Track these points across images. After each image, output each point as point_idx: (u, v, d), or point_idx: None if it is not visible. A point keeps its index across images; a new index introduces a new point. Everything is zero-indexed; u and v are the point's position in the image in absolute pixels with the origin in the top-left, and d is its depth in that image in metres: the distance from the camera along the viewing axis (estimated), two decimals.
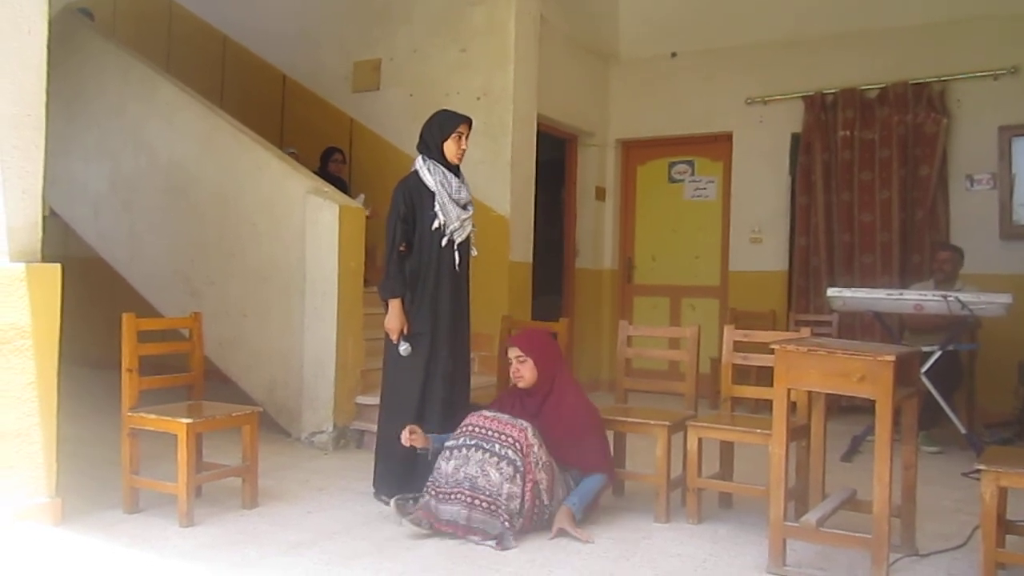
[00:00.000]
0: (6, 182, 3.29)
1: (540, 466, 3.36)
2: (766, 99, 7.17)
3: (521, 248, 6.24)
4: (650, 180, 7.92)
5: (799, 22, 7.02)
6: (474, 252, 4.01)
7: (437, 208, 3.79)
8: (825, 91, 6.86)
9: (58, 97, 3.51)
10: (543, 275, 7.00)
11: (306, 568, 3.00)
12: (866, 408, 5.45)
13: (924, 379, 4.88)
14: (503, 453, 3.31)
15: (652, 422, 3.73)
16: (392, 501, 3.52)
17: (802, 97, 6.97)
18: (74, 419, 4.01)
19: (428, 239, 3.81)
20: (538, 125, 6.51)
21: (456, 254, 3.85)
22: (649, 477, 3.78)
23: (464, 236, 3.89)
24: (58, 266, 3.44)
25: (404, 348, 3.79)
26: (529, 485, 3.30)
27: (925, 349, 4.86)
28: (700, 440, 3.65)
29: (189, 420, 3.50)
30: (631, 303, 7.92)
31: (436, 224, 3.80)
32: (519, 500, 3.28)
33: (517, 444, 3.32)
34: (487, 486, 3.29)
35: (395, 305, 3.80)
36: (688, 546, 3.35)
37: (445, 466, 3.39)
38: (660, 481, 3.69)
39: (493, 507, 3.28)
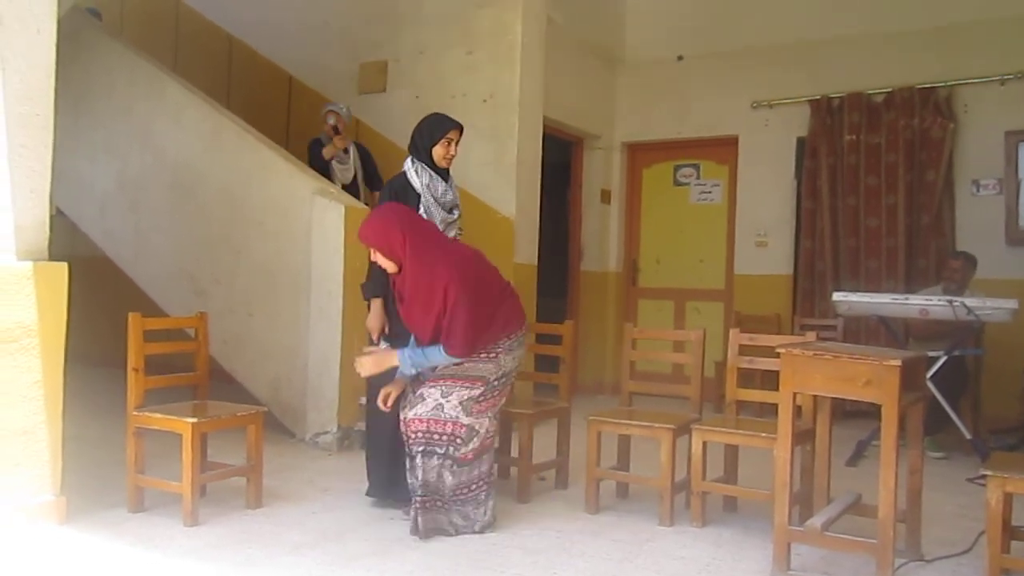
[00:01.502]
0: (14, 181, 3.30)
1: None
2: (772, 103, 7.16)
3: (526, 250, 6.25)
4: (655, 183, 7.92)
5: (805, 26, 7.02)
6: None
7: (422, 210, 3.82)
8: (831, 95, 6.85)
9: (65, 96, 3.52)
10: (548, 277, 7.00)
11: (309, 569, 3.01)
12: (871, 413, 5.44)
13: (930, 384, 4.87)
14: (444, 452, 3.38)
15: (656, 425, 3.72)
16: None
17: (808, 101, 6.97)
18: (79, 418, 4.02)
19: None
20: (544, 127, 6.51)
21: None
22: (653, 480, 3.77)
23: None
24: (65, 265, 3.45)
25: (384, 347, 3.76)
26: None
27: (931, 354, 4.85)
28: (705, 443, 3.65)
29: (194, 420, 3.50)
30: (636, 306, 7.92)
31: None
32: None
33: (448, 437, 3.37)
34: (442, 487, 3.40)
35: (376, 304, 3.83)
36: (692, 549, 3.35)
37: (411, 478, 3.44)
38: (664, 484, 3.68)
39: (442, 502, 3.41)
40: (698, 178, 7.72)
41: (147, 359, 3.67)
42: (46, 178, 3.44)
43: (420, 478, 3.36)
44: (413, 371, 3.44)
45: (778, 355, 3.06)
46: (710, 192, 7.65)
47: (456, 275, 3.29)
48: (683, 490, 3.81)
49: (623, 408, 4.17)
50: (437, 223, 3.80)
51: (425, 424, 3.36)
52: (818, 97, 6.90)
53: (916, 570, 3.16)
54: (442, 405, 3.37)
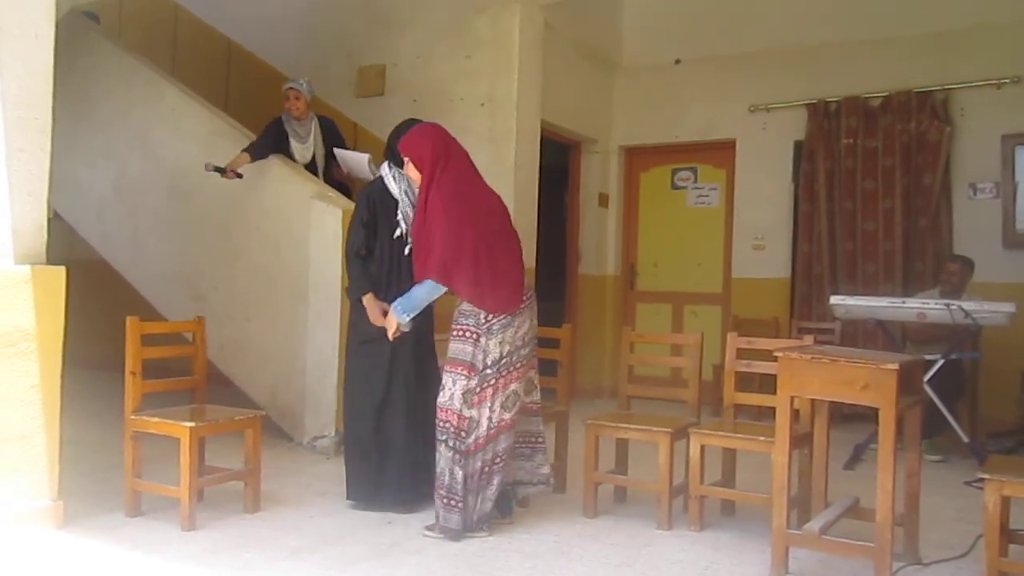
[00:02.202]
0: (12, 185, 3.30)
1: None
2: (769, 106, 7.17)
3: (524, 253, 6.24)
4: (653, 187, 7.93)
5: (803, 30, 7.03)
6: None
7: (400, 217, 3.83)
8: (828, 99, 6.87)
9: (63, 100, 3.52)
10: (546, 281, 6.99)
11: (308, 573, 3.01)
12: (868, 416, 5.43)
13: (927, 388, 4.87)
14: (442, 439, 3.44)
15: (655, 429, 3.73)
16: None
17: (805, 105, 6.98)
18: (76, 422, 4.00)
19: (389, 246, 3.85)
20: (542, 131, 6.53)
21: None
22: (651, 484, 3.77)
23: None
24: (63, 268, 3.45)
25: (406, 325, 3.68)
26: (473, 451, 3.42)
27: (928, 358, 4.86)
28: (703, 447, 3.65)
29: (192, 424, 3.50)
30: (633, 309, 7.92)
31: (398, 232, 3.84)
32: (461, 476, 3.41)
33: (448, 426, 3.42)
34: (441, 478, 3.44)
35: (369, 300, 3.81)
36: (690, 553, 3.35)
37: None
38: (662, 488, 3.68)
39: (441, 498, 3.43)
40: (695, 182, 7.73)
41: (145, 363, 3.66)
42: (44, 182, 3.44)
43: (439, 467, 3.44)
44: (406, 317, 3.52)
45: (776, 359, 3.07)
46: (708, 196, 7.66)
47: (456, 204, 3.42)
48: (681, 494, 3.81)
49: (621, 412, 4.18)
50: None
51: (441, 412, 3.45)
52: (815, 101, 6.91)
53: (914, 574, 3.16)
54: (453, 395, 3.43)
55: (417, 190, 3.62)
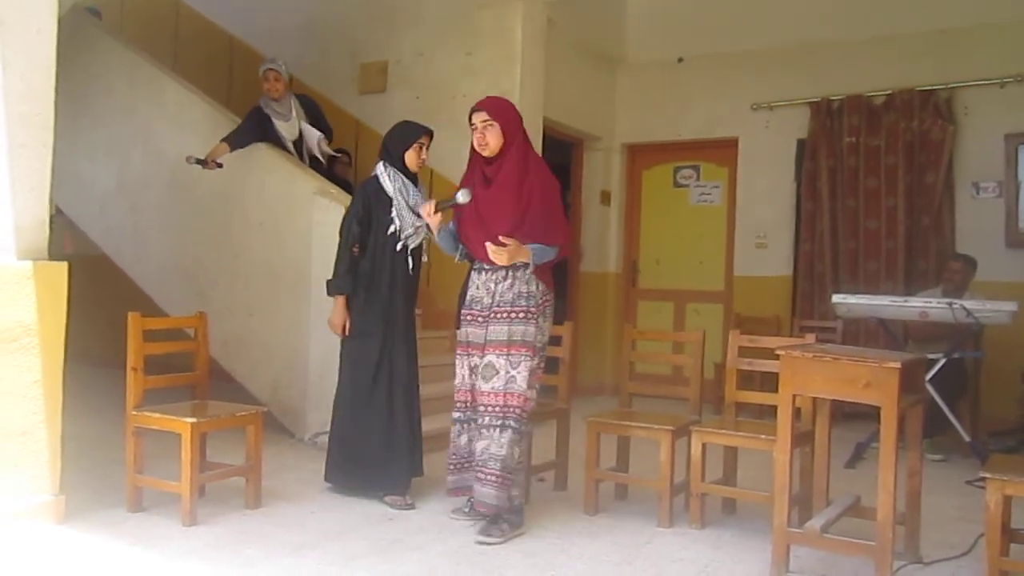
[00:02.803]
0: (15, 180, 3.30)
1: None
2: (772, 105, 7.17)
3: None
4: (655, 185, 7.92)
5: (806, 28, 7.02)
6: (424, 258, 4.06)
7: (394, 214, 3.90)
8: (831, 97, 6.86)
9: (65, 95, 3.51)
10: None
11: (309, 569, 3.01)
12: (869, 415, 5.42)
13: (928, 387, 4.87)
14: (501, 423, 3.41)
15: (656, 427, 3.72)
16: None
17: (808, 103, 6.97)
18: (77, 418, 4.01)
19: (383, 243, 3.92)
20: (544, 129, 6.51)
21: (410, 259, 3.96)
22: (652, 482, 3.77)
23: (417, 242, 3.98)
24: (65, 264, 3.45)
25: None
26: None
27: (930, 356, 4.86)
28: (704, 445, 3.65)
29: (193, 419, 3.50)
30: (635, 307, 7.92)
31: (392, 229, 3.90)
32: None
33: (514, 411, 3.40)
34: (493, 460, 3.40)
35: (339, 302, 3.93)
36: (691, 551, 3.35)
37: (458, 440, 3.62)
38: (663, 486, 3.68)
39: (499, 480, 3.37)
40: (698, 180, 7.72)
41: (146, 359, 3.66)
42: (46, 177, 3.43)
43: (495, 452, 3.38)
44: (534, 264, 3.45)
45: (778, 357, 3.06)
46: (710, 194, 7.65)
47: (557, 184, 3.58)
48: (682, 492, 3.81)
49: (622, 409, 4.17)
50: (408, 226, 3.91)
51: (502, 398, 3.39)
52: (818, 99, 6.91)
53: (915, 572, 3.16)
54: (515, 377, 3.39)
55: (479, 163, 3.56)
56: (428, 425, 4.92)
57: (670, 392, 4.35)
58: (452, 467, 3.66)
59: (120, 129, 6.15)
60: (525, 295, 3.46)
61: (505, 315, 3.45)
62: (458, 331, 3.67)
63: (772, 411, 3.18)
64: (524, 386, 3.40)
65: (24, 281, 3.29)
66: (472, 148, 3.58)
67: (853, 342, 6.28)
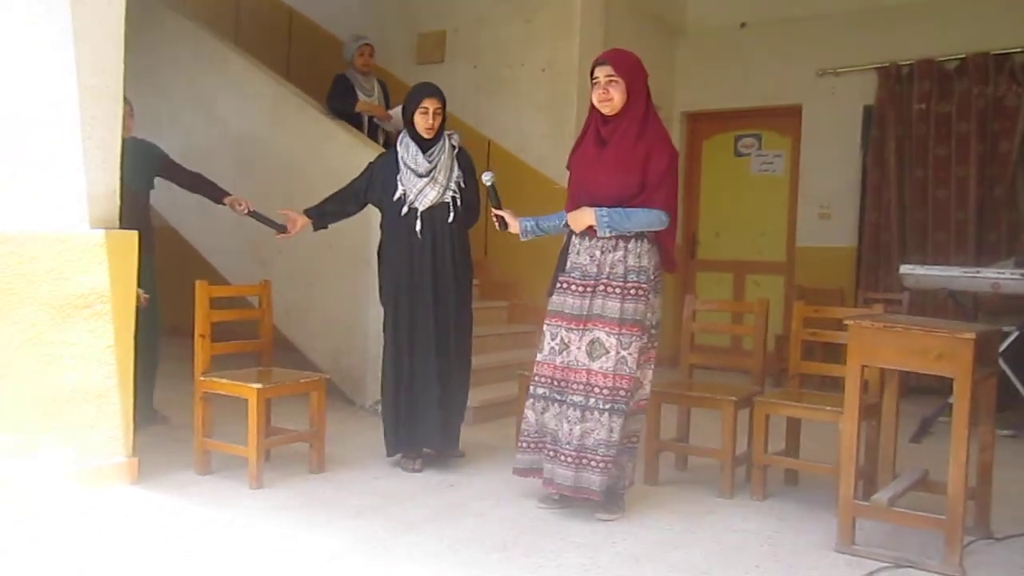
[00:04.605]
0: (87, 151, 3.39)
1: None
2: (838, 70, 6.96)
3: None
4: (716, 154, 7.78)
5: None
6: (450, 218, 3.96)
7: (398, 179, 3.93)
8: (900, 62, 6.63)
9: (130, 69, 3.58)
10: None
11: (372, 532, 3.06)
12: (935, 389, 5.34)
13: (1000, 361, 4.73)
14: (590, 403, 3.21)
15: (719, 396, 3.69)
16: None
17: (876, 69, 6.75)
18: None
19: (392, 208, 3.96)
20: None
21: (419, 222, 3.90)
22: (714, 452, 3.74)
23: (426, 204, 3.91)
24: (135, 233, 3.54)
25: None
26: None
27: (1004, 329, 4.71)
28: (767, 416, 3.60)
29: (260, 385, 3.57)
30: (694, 278, 7.82)
31: (397, 194, 3.93)
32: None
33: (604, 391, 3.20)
34: (559, 438, 3.24)
35: (296, 215, 4.18)
36: (753, 522, 3.32)
37: (541, 418, 3.34)
38: (725, 457, 3.65)
39: (606, 466, 3.19)
40: (759, 148, 7.57)
41: (212, 326, 3.74)
42: (116, 148, 3.52)
43: (603, 438, 3.17)
44: (607, 232, 3.21)
45: (843, 328, 3.00)
46: (772, 163, 7.50)
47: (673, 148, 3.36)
48: (743, 463, 3.77)
49: (683, 380, 4.14)
50: (410, 189, 3.90)
51: (612, 379, 3.17)
52: (886, 64, 6.68)
53: (985, 548, 3.09)
54: (625, 359, 3.18)
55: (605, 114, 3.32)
56: (484, 395, 4.98)
57: (730, 363, 4.32)
58: (524, 445, 3.38)
59: (184, 101, 6.24)
60: (636, 270, 3.23)
61: (618, 290, 3.21)
62: (551, 299, 3.40)
63: (834, 383, 3.13)
64: (634, 367, 3.19)
65: (97, 249, 3.39)
66: (591, 104, 3.33)
67: (920, 314, 6.11)
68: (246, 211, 4.46)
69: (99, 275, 3.39)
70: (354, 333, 5.25)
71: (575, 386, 3.24)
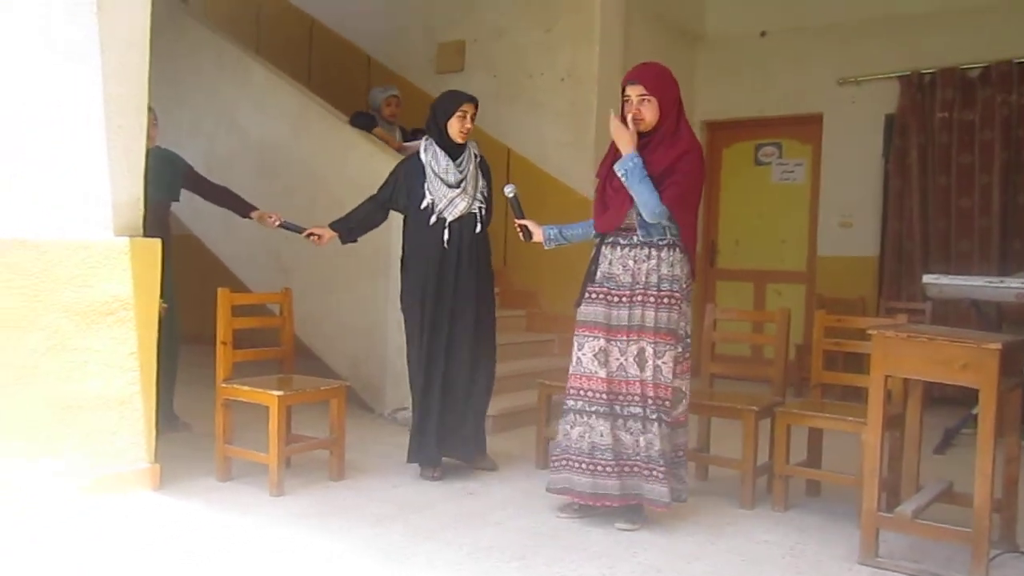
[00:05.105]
0: (112, 160, 3.42)
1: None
2: (859, 79, 6.93)
3: None
4: (736, 162, 7.76)
5: None
6: (477, 229, 3.96)
7: (426, 187, 3.90)
8: (923, 70, 6.59)
9: (153, 78, 3.62)
10: None
11: (392, 540, 3.06)
12: (959, 400, 5.27)
13: None
14: (628, 412, 3.21)
15: (740, 406, 3.66)
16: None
17: (898, 77, 6.71)
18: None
19: (419, 217, 3.93)
20: None
21: (446, 232, 3.88)
22: (735, 463, 3.72)
23: (456, 214, 3.90)
24: (158, 241, 3.57)
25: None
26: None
27: None
28: (788, 426, 3.57)
29: (281, 392, 3.59)
30: (714, 287, 7.79)
31: (424, 203, 3.90)
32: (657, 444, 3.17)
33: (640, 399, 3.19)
34: (622, 450, 3.22)
35: (325, 229, 4.17)
36: (775, 533, 3.29)
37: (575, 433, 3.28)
38: (747, 468, 3.63)
39: (667, 475, 3.17)
40: (780, 157, 7.54)
41: (233, 333, 3.76)
42: (141, 156, 3.55)
43: (660, 448, 3.17)
44: (619, 171, 3.17)
45: (863, 338, 2.97)
46: (792, 172, 7.46)
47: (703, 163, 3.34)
48: (764, 474, 3.74)
49: (704, 389, 4.11)
50: (440, 199, 3.88)
51: (651, 388, 3.17)
52: (908, 73, 6.64)
53: (1012, 561, 3.04)
54: (660, 368, 3.18)
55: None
56: (503, 403, 4.98)
57: (750, 373, 4.28)
58: (556, 463, 3.31)
59: (207, 111, 6.30)
60: (669, 278, 3.20)
61: (653, 300, 3.18)
62: (580, 309, 3.34)
63: (855, 394, 3.10)
64: (670, 376, 3.18)
65: (121, 256, 3.42)
66: (622, 117, 3.27)
67: (943, 324, 6.05)
68: (276, 223, 4.46)
69: (123, 282, 3.42)
70: (374, 340, 5.26)
71: (631, 398, 3.21)
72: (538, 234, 3.59)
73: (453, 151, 3.94)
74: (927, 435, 4.31)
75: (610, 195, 3.31)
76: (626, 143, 3.19)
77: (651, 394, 3.17)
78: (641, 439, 3.20)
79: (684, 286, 3.25)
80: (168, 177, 4.53)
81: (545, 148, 6.48)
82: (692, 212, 3.27)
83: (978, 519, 2.73)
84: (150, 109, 3.77)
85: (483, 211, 3.98)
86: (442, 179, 3.89)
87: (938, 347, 2.79)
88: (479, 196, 3.97)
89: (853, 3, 6.92)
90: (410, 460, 3.97)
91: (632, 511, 3.28)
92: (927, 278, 5.02)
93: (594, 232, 3.42)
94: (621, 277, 3.25)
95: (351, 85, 7.54)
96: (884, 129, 6.86)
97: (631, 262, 3.24)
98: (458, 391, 3.91)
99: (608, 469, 3.20)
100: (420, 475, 3.93)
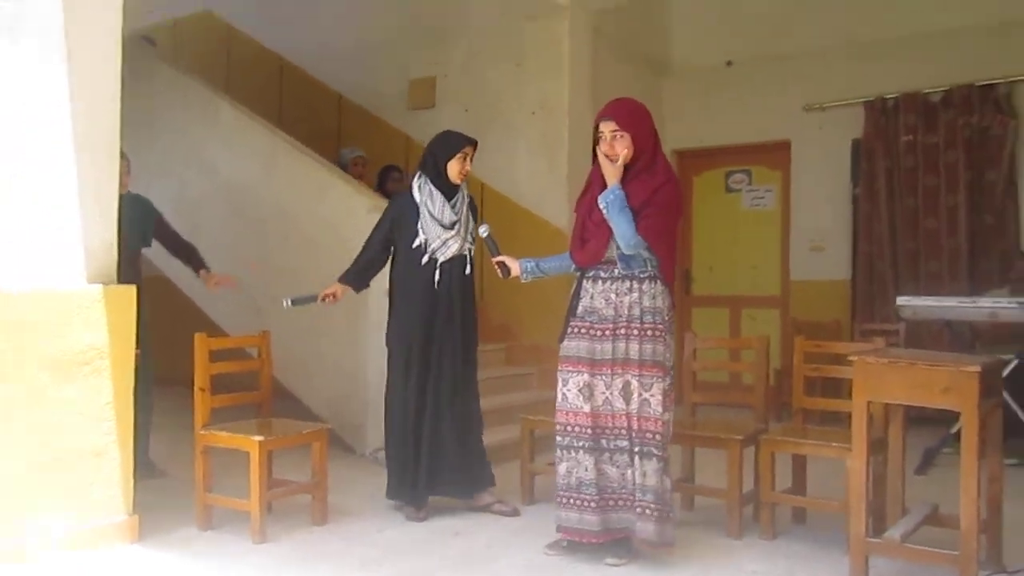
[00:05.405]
0: (83, 204, 3.38)
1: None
2: (825, 105, 7.05)
3: None
4: (707, 190, 7.84)
5: (858, 26, 6.90)
6: (468, 270, 3.97)
7: (419, 226, 3.88)
8: (886, 96, 6.72)
9: (124, 121, 3.60)
10: None
11: None
12: (936, 419, 5.30)
13: None
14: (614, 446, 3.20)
15: (725, 435, 3.66)
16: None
17: (862, 103, 6.84)
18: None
19: (410, 256, 3.91)
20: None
21: (437, 272, 3.88)
22: (720, 492, 3.71)
23: (448, 255, 3.89)
24: (133, 287, 3.52)
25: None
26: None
27: (1003, 358, 4.71)
28: (773, 454, 3.58)
29: (262, 438, 3.53)
30: (689, 314, 7.83)
31: (417, 242, 3.88)
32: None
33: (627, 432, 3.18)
34: (607, 484, 3.21)
35: (337, 287, 4.11)
36: (764, 563, 3.28)
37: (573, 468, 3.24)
38: (733, 497, 3.62)
39: (659, 512, 3.13)
40: (750, 184, 7.63)
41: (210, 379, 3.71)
42: (113, 201, 3.52)
43: (650, 485, 3.14)
44: (601, 204, 3.19)
45: (845, 362, 2.99)
46: (763, 198, 7.55)
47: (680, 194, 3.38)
48: (750, 502, 3.74)
49: (687, 419, 4.11)
50: (433, 239, 3.87)
51: (637, 422, 3.14)
52: (872, 98, 6.77)
53: None
54: (648, 400, 3.15)
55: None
56: (485, 439, 4.91)
57: (730, 399, 4.29)
58: (563, 500, 3.25)
59: (176, 152, 6.26)
60: (652, 310, 3.20)
61: (637, 332, 3.18)
62: (563, 344, 3.32)
63: (836, 418, 3.11)
64: (660, 409, 3.15)
65: (95, 304, 3.36)
66: (594, 153, 3.33)
67: (917, 345, 6.12)
68: (218, 288, 4.58)
69: (98, 331, 3.36)
70: (352, 380, 5.21)
71: (618, 431, 3.19)
72: (515, 268, 3.59)
73: (448, 191, 3.93)
74: (907, 456, 4.34)
75: (591, 229, 3.32)
76: (611, 176, 3.23)
77: (636, 427, 3.16)
78: (628, 472, 3.18)
79: (667, 318, 3.24)
80: (140, 224, 4.50)
81: (518, 181, 6.51)
82: (669, 243, 3.29)
83: (965, 541, 2.75)
84: (123, 155, 3.74)
85: (471, 252, 3.98)
86: (437, 220, 3.88)
87: (919, 372, 2.82)
88: (470, 237, 3.96)
89: (816, 31, 7.06)
90: (390, 496, 3.93)
91: (620, 546, 3.25)
92: (900, 300, 5.09)
93: (573, 266, 3.43)
94: (604, 311, 3.25)
95: (322, 124, 7.54)
96: (851, 154, 6.97)
97: (613, 295, 3.24)
98: (444, 431, 3.88)
99: (592, 505, 3.18)
100: (405, 517, 3.87)
